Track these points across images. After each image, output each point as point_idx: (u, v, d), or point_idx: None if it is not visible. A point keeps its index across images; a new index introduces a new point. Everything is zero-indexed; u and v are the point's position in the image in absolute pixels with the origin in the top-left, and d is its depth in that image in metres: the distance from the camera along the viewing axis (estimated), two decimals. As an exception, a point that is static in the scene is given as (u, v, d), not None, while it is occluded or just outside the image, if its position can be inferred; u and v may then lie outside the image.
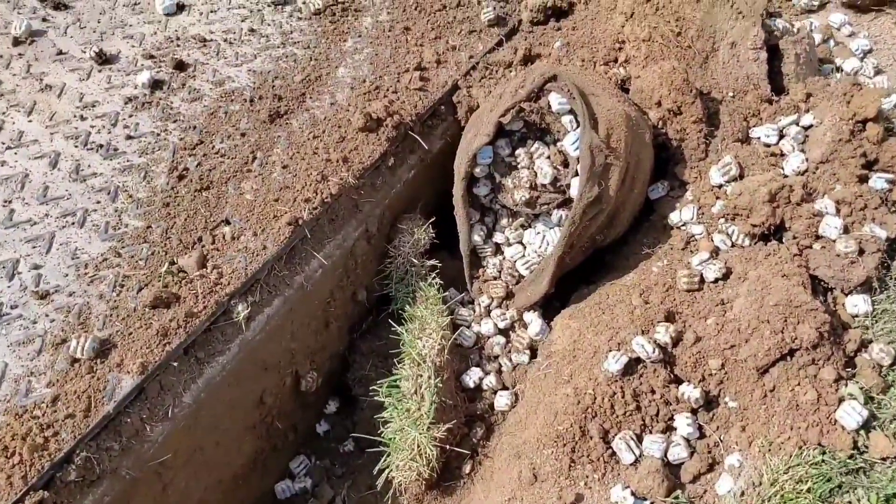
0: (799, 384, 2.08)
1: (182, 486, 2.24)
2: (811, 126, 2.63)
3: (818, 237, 2.36)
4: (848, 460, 1.98)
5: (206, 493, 2.38)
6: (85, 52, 2.87)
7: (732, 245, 2.44)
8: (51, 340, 2.08)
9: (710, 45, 2.79)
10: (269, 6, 3.16)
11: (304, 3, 3.15)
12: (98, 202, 2.42)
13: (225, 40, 2.99)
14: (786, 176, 2.49)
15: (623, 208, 2.55)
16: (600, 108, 2.43)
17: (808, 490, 1.92)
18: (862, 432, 2.02)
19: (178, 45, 2.95)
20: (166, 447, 2.07)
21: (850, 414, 2.01)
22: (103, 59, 2.84)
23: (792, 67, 2.81)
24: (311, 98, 2.78)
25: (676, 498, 2.03)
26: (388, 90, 2.80)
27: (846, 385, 2.09)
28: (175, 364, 2.11)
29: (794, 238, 2.36)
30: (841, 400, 2.05)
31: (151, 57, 2.88)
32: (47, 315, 2.13)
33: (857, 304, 2.25)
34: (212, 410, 2.22)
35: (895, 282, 2.35)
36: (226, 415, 2.31)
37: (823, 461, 1.98)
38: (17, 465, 1.83)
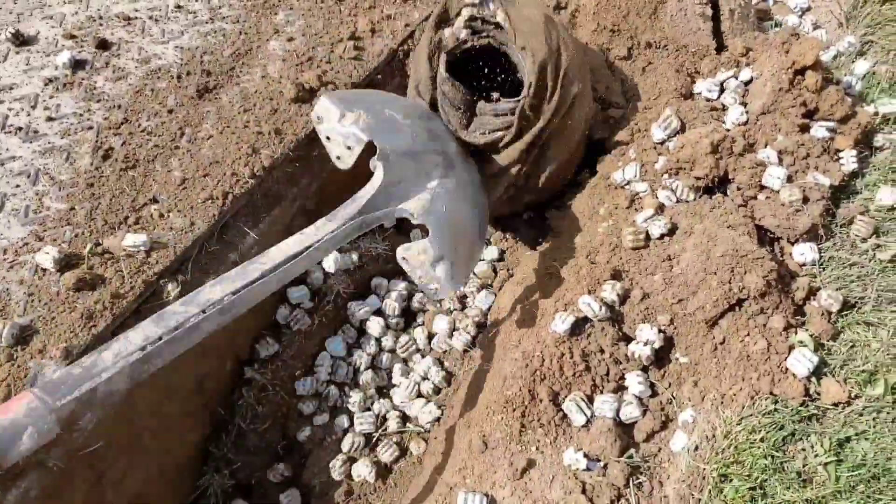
0: (749, 334, 2.04)
1: (118, 476, 2.13)
2: (751, 80, 2.60)
3: (762, 187, 2.33)
4: (800, 408, 1.95)
5: (147, 485, 2.27)
6: (0, 34, 2.72)
7: (677, 201, 2.40)
8: (-34, 330, 1.95)
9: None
10: (196, -18, 3.04)
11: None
12: (17, 186, 2.30)
13: (150, 17, 2.86)
14: (728, 129, 2.46)
15: (558, 139, 2.48)
16: (546, 32, 2.37)
17: (762, 439, 1.88)
18: (813, 379, 1.99)
19: (101, 24, 2.82)
20: (98, 436, 1.97)
21: (801, 361, 1.97)
22: (21, 41, 2.71)
23: (728, 24, 2.78)
24: (241, 72, 2.68)
25: (630, 457, 1.98)
26: (321, 61, 2.72)
27: (796, 333, 2.06)
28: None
29: (738, 189, 2.32)
30: (791, 348, 2.02)
31: (73, 37, 2.75)
32: (-38, 304, 2.01)
33: (803, 253, 2.22)
34: (146, 396, 2.12)
35: (840, 229, 2.33)
36: (163, 402, 2.21)
37: (776, 410, 1.94)
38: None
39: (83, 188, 2.30)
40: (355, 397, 2.52)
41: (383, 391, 2.62)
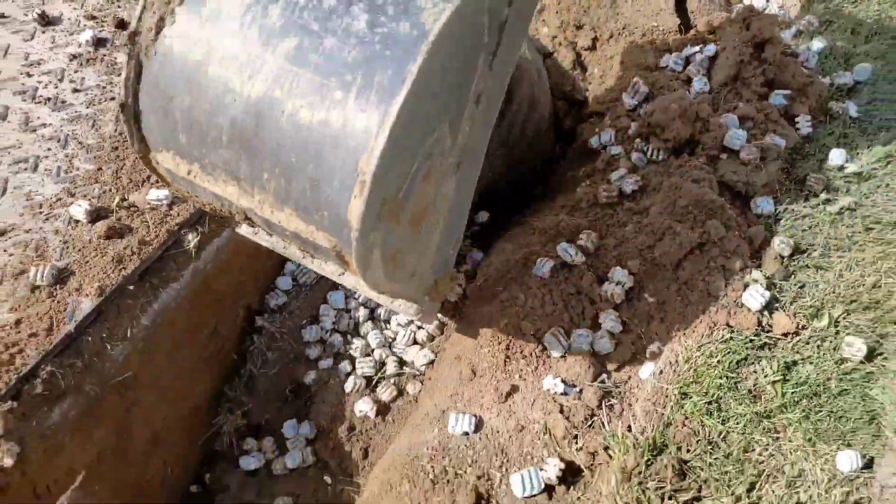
0: (710, 274, 2.29)
1: (144, 410, 2.37)
2: (716, 55, 2.85)
3: (724, 148, 2.57)
4: (753, 337, 2.20)
5: (167, 423, 2.51)
6: (27, 15, 2.96)
7: (649, 161, 2.64)
8: (10, 272, 2.19)
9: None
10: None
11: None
12: (49, 149, 2.53)
13: (165, 0, 3.09)
14: (693, 97, 2.71)
15: (534, 108, 2.73)
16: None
17: (718, 362, 2.13)
18: (765, 313, 2.24)
19: (119, 6, 3.06)
20: (127, 366, 2.20)
21: (755, 297, 2.22)
22: (46, 21, 2.94)
23: (696, 4, 3.03)
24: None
25: (603, 382, 2.23)
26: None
27: (751, 273, 2.31)
28: (131, 288, 2.24)
29: (704, 150, 2.57)
30: (746, 286, 2.27)
31: (93, 17, 2.99)
32: (5, 250, 2.25)
33: (761, 205, 2.47)
34: (169, 335, 2.36)
35: (795, 185, 2.58)
36: (183, 342, 2.45)
37: (731, 339, 2.19)
38: (-12, 370, 1.96)
39: (108, 151, 2.53)
40: (357, 343, 2.76)
41: (382, 339, 2.85)
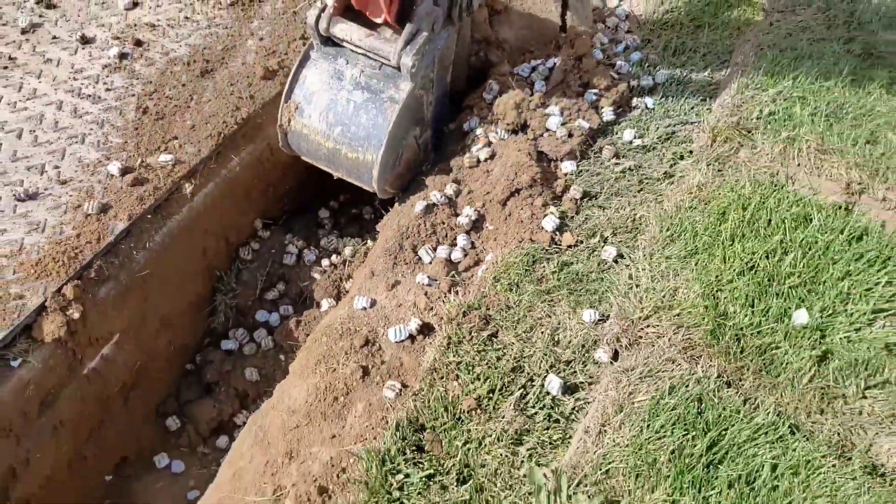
0: (522, 209, 3.53)
1: (156, 302, 3.60)
2: (554, 65, 4.10)
3: (547, 129, 3.82)
4: (547, 247, 3.43)
5: (169, 313, 3.74)
6: (72, 37, 4.19)
7: (500, 140, 3.89)
8: (71, 205, 3.42)
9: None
10: (198, 1, 4.51)
11: (223, -2, 4.52)
12: (91, 130, 3.76)
13: (168, 25, 4.34)
14: (531, 94, 3.95)
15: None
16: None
17: (521, 261, 3.36)
18: (557, 233, 3.48)
19: (136, 29, 4.29)
20: (145, 266, 3.44)
21: (550, 221, 3.46)
22: (85, 41, 4.17)
23: (571, 19, 4.28)
24: (228, 60, 4.16)
25: (453, 277, 3.47)
26: (281, 53, 4.20)
27: (550, 208, 3.55)
28: (149, 217, 3.47)
29: (532, 131, 3.81)
30: (545, 215, 3.52)
31: (118, 38, 4.22)
32: (68, 193, 3.48)
33: (565, 166, 3.72)
34: (173, 249, 3.58)
35: (594, 154, 3.82)
36: (183, 256, 3.67)
37: (532, 248, 3.42)
38: (61, 267, 3.18)
39: (132, 130, 3.77)
40: (323, 241, 4.04)
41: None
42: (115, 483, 3.63)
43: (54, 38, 4.19)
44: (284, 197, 4.26)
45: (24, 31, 4.19)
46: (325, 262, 4.10)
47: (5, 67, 3.96)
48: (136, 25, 4.31)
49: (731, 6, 4.71)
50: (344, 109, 3.60)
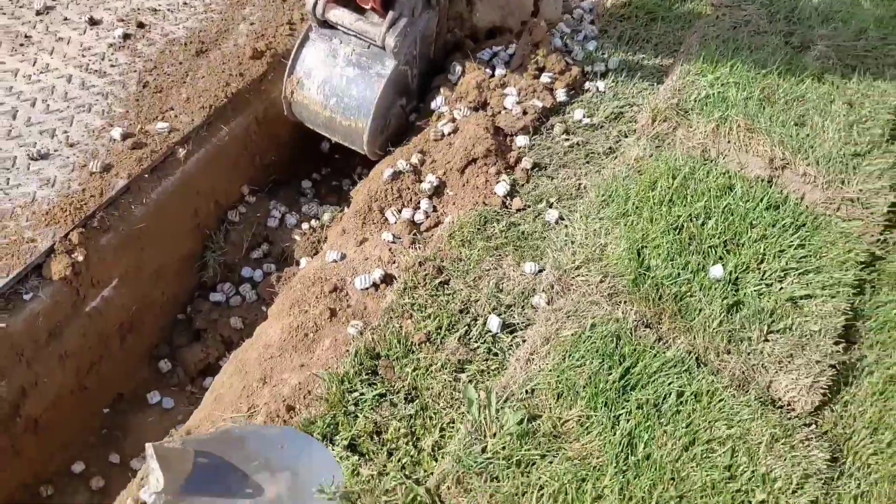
0: (478, 176, 3.97)
1: (151, 253, 4.05)
2: (514, 53, 4.54)
3: (504, 108, 4.25)
4: (498, 209, 3.87)
5: (163, 265, 4.18)
6: (81, 18, 4.64)
7: (464, 117, 4.32)
8: (78, 164, 3.87)
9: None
10: (196, -11, 4.96)
11: (219, -14, 4.97)
12: (97, 100, 4.21)
13: (168, 9, 4.79)
14: (492, 76, 4.39)
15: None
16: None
17: (473, 222, 3.79)
18: (508, 198, 3.91)
19: (139, 13, 4.74)
20: (142, 220, 3.88)
21: (502, 187, 3.89)
22: (93, 22, 4.62)
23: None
24: (221, 42, 4.60)
25: (415, 235, 3.90)
26: (269, 36, 4.64)
27: (503, 176, 3.99)
28: (146, 176, 3.92)
29: (491, 109, 4.25)
30: (498, 182, 3.95)
31: (122, 20, 4.67)
32: (75, 154, 3.92)
33: (519, 140, 4.15)
34: (168, 207, 4.03)
35: (547, 130, 4.26)
36: (176, 214, 4.12)
37: (484, 210, 3.86)
38: (68, 216, 3.62)
39: (133, 101, 4.21)
40: (304, 208, 4.47)
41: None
42: (112, 415, 4.07)
43: (65, 19, 4.63)
44: (270, 167, 4.70)
45: (38, 13, 4.64)
46: (304, 225, 4.54)
47: (21, 45, 4.41)
48: (139, 10, 4.76)
49: (684, 1, 5.14)
50: (338, 83, 4.17)
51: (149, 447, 2.61)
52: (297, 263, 4.39)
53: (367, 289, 3.64)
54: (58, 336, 3.56)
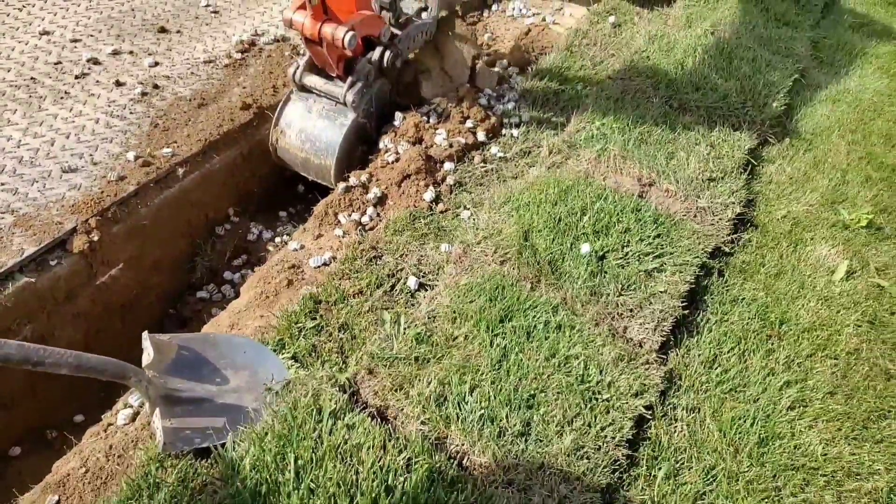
0: (411, 187, 5.09)
1: (151, 248, 5.11)
2: (445, 108, 5.79)
3: (435, 143, 5.44)
4: (426, 212, 4.96)
5: (159, 261, 5.23)
6: (109, 81, 5.93)
7: (405, 150, 5.49)
8: (100, 176, 4.99)
9: None
10: (202, 63, 6.30)
11: (219, 60, 6.31)
12: (117, 134, 5.41)
13: (178, 76, 6.10)
14: (428, 122, 5.61)
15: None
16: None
17: (404, 219, 4.88)
18: (433, 204, 5.02)
19: (155, 79, 6.04)
20: (147, 218, 4.97)
21: (429, 194, 5.01)
22: (119, 84, 5.91)
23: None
24: (219, 99, 5.87)
25: (360, 231, 4.97)
26: (256, 95, 5.92)
27: (430, 187, 5.11)
28: (151, 185, 5.05)
29: (425, 143, 5.44)
30: (427, 191, 5.07)
31: (141, 83, 5.96)
32: (98, 169, 5.06)
33: (447, 166, 5.31)
34: (167, 213, 5.13)
35: (469, 159, 5.43)
36: (173, 219, 5.21)
37: (413, 212, 4.95)
38: (89, 208, 4.71)
39: (146, 136, 5.41)
40: (279, 228, 5.55)
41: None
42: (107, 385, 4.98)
43: (97, 81, 5.93)
44: (252, 196, 5.84)
45: (76, 77, 5.94)
46: (277, 239, 5.62)
47: (62, 97, 5.68)
48: (155, 76, 6.06)
49: (585, 76, 6.46)
50: (312, 131, 5.41)
51: (145, 334, 3.57)
52: (269, 266, 5.42)
53: (318, 266, 4.67)
54: (73, 299, 4.55)
